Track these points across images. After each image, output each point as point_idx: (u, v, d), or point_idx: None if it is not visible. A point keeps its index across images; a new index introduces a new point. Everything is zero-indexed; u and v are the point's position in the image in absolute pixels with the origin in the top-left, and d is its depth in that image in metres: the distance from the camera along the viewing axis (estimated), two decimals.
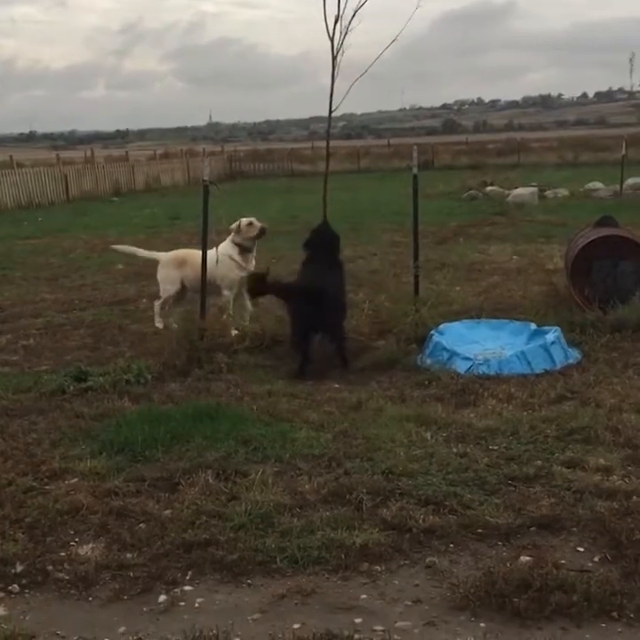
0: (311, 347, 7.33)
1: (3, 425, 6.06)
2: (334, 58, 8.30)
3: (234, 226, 8.55)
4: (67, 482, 4.98)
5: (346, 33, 8.16)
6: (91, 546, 4.23)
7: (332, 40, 8.24)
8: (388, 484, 4.72)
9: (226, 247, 8.53)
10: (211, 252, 8.22)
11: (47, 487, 4.92)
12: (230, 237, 8.57)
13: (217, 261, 8.23)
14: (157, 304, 9.11)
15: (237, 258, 8.48)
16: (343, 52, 8.24)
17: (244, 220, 8.55)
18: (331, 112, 8.49)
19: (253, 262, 8.66)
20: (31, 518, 4.50)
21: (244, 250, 8.51)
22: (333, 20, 8.17)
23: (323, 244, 7.60)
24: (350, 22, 8.13)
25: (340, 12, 8.11)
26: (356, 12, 8.11)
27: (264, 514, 4.40)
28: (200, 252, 8.07)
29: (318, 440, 5.46)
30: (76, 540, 4.30)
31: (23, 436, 5.80)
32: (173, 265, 8.97)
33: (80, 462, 5.21)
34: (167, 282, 9.00)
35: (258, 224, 8.53)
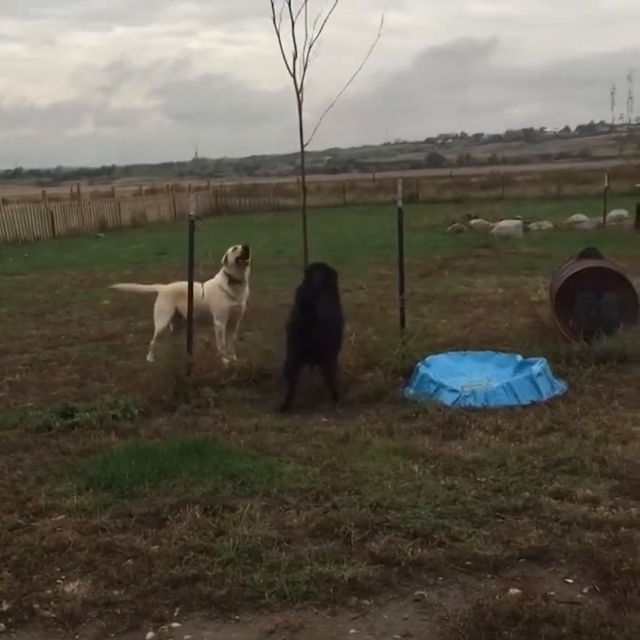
0: (299, 377, 7.32)
1: None
2: (299, 92, 8.46)
3: (223, 258, 8.65)
4: (53, 519, 4.94)
5: (305, 68, 8.32)
6: (77, 583, 4.19)
7: (293, 76, 8.40)
8: (376, 517, 4.71)
9: (218, 278, 8.67)
10: (200, 286, 8.30)
11: (33, 524, 4.88)
12: (222, 269, 8.67)
13: (202, 295, 8.28)
14: (153, 342, 9.03)
15: (227, 288, 8.58)
16: (303, 86, 8.40)
17: (230, 249, 8.64)
18: (303, 146, 8.64)
19: (246, 293, 8.75)
20: (17, 556, 4.46)
21: (233, 281, 8.58)
22: (292, 57, 8.33)
23: (323, 279, 7.60)
24: (307, 58, 8.28)
25: (297, 49, 8.26)
26: (310, 46, 8.25)
27: (252, 548, 4.37)
28: (198, 285, 8.21)
29: (306, 474, 5.45)
30: (63, 577, 4.26)
31: (9, 473, 5.76)
32: (171, 297, 8.96)
33: (66, 499, 5.18)
34: (162, 313, 8.99)
35: (240, 247, 8.59)
